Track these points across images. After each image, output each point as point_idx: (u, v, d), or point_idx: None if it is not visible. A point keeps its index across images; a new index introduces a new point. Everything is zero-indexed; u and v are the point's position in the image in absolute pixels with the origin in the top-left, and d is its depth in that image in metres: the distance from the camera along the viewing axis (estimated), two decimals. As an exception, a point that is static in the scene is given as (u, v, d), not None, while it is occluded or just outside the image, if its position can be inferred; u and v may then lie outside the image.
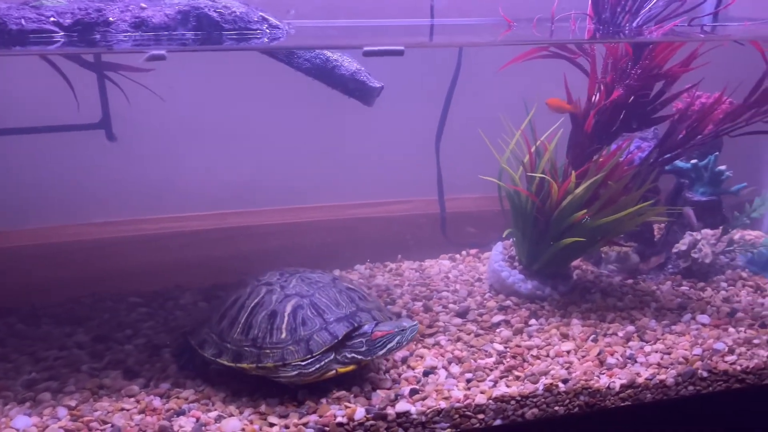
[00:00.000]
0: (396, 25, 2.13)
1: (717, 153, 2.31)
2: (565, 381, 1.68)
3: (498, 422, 1.62)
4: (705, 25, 2.07)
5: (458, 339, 1.87)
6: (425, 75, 2.29)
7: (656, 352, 1.82)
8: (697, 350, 1.82)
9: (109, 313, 2.00)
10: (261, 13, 1.71)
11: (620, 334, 1.90)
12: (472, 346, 1.83)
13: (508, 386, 1.66)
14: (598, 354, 1.79)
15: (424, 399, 1.61)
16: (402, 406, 1.57)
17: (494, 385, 1.67)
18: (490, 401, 1.61)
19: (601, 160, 1.99)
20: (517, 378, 1.70)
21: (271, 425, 1.52)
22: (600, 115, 1.96)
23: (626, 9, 1.90)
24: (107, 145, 2.03)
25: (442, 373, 1.71)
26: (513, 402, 1.63)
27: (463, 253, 2.46)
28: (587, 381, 1.69)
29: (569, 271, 2.19)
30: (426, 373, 1.70)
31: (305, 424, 1.51)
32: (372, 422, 1.54)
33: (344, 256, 2.35)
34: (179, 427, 1.51)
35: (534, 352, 1.81)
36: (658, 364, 1.77)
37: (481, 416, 1.61)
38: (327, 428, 1.51)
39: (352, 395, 1.60)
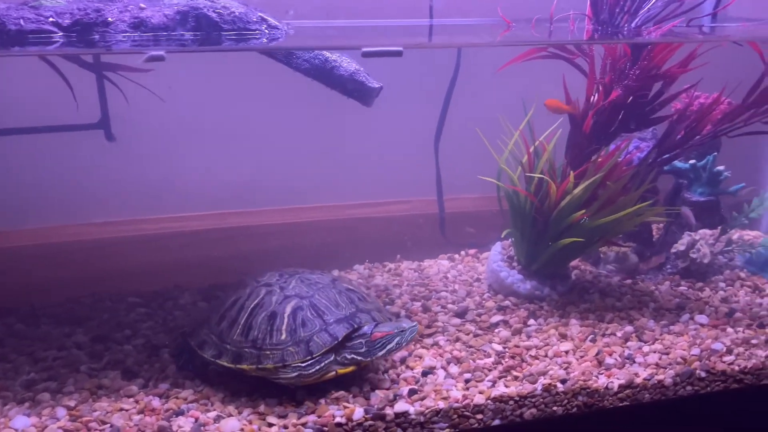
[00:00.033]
0: (395, 26, 2.13)
1: (715, 153, 2.31)
2: (563, 381, 1.68)
3: (496, 422, 1.62)
4: (703, 26, 2.07)
5: (457, 339, 1.87)
6: (424, 75, 2.29)
7: (654, 352, 1.82)
8: (696, 350, 1.82)
9: (108, 313, 2.00)
10: (260, 14, 1.71)
11: (619, 334, 1.90)
12: (470, 347, 1.84)
13: (506, 386, 1.67)
14: (597, 354, 1.80)
15: (422, 399, 1.61)
16: (401, 406, 1.57)
17: (493, 386, 1.67)
18: (489, 401, 1.62)
19: (599, 160, 2.00)
20: (516, 378, 1.70)
21: (270, 425, 1.52)
22: (598, 116, 1.96)
23: (625, 9, 1.91)
24: (107, 145, 2.03)
25: (441, 373, 1.72)
26: (511, 402, 1.63)
27: (462, 253, 2.46)
28: (585, 381, 1.69)
29: (568, 272, 2.20)
30: (425, 374, 1.71)
31: (304, 425, 1.52)
32: (371, 422, 1.54)
33: (343, 256, 2.35)
34: (178, 427, 1.51)
35: (532, 352, 1.81)
36: (657, 365, 1.77)
37: (479, 416, 1.61)
38: (326, 428, 1.52)
39: (351, 395, 1.61)
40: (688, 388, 1.74)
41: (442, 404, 1.59)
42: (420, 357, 1.78)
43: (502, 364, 1.75)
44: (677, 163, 2.30)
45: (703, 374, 1.75)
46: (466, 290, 2.16)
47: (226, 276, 2.08)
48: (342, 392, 1.60)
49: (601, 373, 1.73)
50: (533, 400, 1.65)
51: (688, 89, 1.99)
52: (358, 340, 1.61)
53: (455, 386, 1.66)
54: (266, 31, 1.69)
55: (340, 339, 1.59)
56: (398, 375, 1.70)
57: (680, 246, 2.24)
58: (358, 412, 1.54)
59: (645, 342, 1.87)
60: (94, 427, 1.51)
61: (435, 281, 2.24)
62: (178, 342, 1.81)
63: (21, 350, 1.80)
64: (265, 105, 2.25)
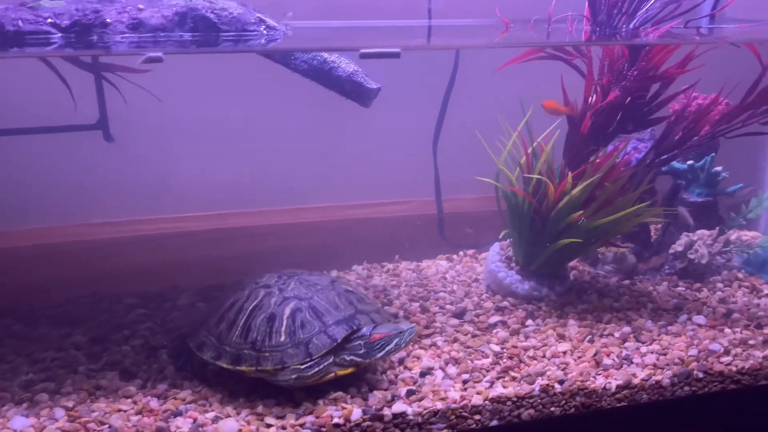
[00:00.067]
0: (394, 26, 2.13)
1: (713, 154, 2.32)
2: (561, 382, 1.68)
3: (494, 423, 1.63)
4: (701, 27, 2.07)
5: (455, 340, 1.87)
6: (423, 76, 2.29)
7: (652, 352, 1.82)
8: (693, 351, 1.82)
9: (107, 314, 2.01)
10: (258, 15, 1.71)
11: (616, 334, 1.90)
12: (468, 347, 1.84)
13: (504, 387, 1.67)
14: (595, 355, 1.80)
15: (420, 400, 1.61)
16: (398, 407, 1.58)
17: (491, 386, 1.67)
18: (487, 402, 1.62)
19: (597, 161, 2.00)
20: (514, 379, 1.70)
21: (268, 426, 1.52)
22: (596, 117, 1.96)
23: (623, 11, 1.91)
24: (106, 146, 2.03)
25: (439, 373, 1.72)
26: (509, 403, 1.64)
27: (461, 253, 2.46)
28: (583, 382, 1.70)
29: (566, 272, 2.20)
30: (423, 374, 1.71)
31: (302, 425, 1.52)
32: (368, 423, 1.54)
33: (342, 257, 2.35)
34: (176, 427, 1.51)
35: (530, 352, 1.82)
36: (654, 365, 1.77)
37: (477, 417, 1.61)
38: (323, 429, 1.52)
39: (349, 396, 1.61)
40: (686, 388, 1.75)
41: (440, 405, 1.59)
42: (418, 357, 1.78)
43: (500, 365, 1.75)
44: (675, 164, 2.30)
45: (700, 375, 1.76)
46: (465, 291, 2.17)
47: (225, 276, 2.09)
48: (340, 393, 1.60)
49: (599, 374, 1.73)
50: (531, 400, 1.65)
51: (685, 90, 1.99)
52: (357, 342, 1.61)
53: (453, 387, 1.66)
54: (264, 32, 1.69)
55: (339, 341, 1.59)
56: (396, 375, 1.70)
57: (678, 247, 2.24)
58: (356, 413, 1.54)
59: (643, 342, 1.87)
60: (93, 427, 1.51)
61: (433, 282, 2.24)
62: (176, 343, 1.81)
63: (19, 351, 1.80)
64: (264, 105, 2.25)
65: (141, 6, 1.64)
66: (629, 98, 1.95)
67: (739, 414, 1.83)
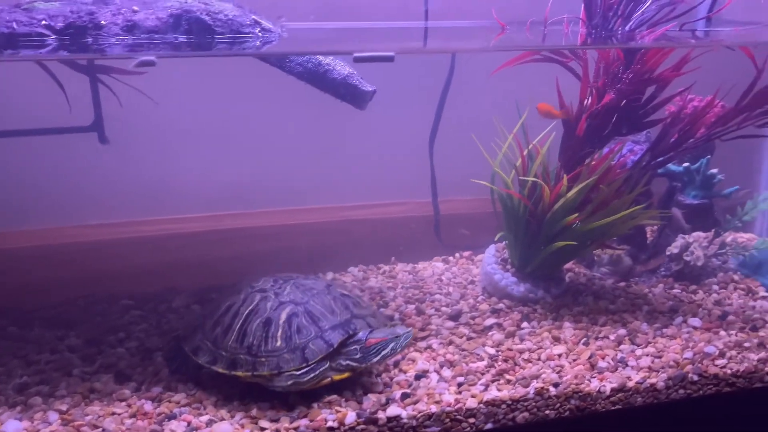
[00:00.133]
0: (390, 28, 2.13)
1: (709, 156, 2.32)
2: (556, 385, 1.68)
3: (489, 426, 1.63)
4: (696, 30, 2.07)
5: (450, 342, 1.87)
6: (421, 78, 2.29)
7: (647, 355, 1.82)
8: (688, 354, 1.82)
9: (102, 315, 2.00)
10: (254, 17, 1.70)
11: (612, 337, 1.90)
12: (464, 350, 1.84)
13: (499, 390, 1.67)
14: (590, 357, 1.80)
15: (415, 403, 1.61)
16: (393, 410, 1.57)
17: (485, 389, 1.67)
18: (481, 405, 1.62)
19: (593, 163, 2.00)
20: (509, 382, 1.70)
21: (262, 429, 1.52)
22: (592, 119, 1.96)
23: (618, 13, 1.91)
24: (105, 147, 2.02)
25: (434, 376, 1.72)
26: (504, 406, 1.64)
27: (457, 255, 2.46)
28: (578, 385, 1.70)
29: (562, 274, 2.20)
30: (418, 377, 1.71)
31: (296, 429, 1.52)
32: (363, 426, 1.54)
33: (339, 258, 2.35)
34: (170, 431, 1.51)
35: (525, 355, 1.82)
36: (649, 368, 1.77)
37: (471, 420, 1.61)
38: (318, 432, 1.52)
39: (344, 399, 1.61)
40: (681, 391, 1.75)
41: (434, 408, 1.59)
42: (413, 360, 1.78)
43: (495, 368, 1.75)
44: (671, 166, 2.30)
45: (695, 378, 1.76)
46: (460, 293, 2.16)
47: (223, 278, 2.08)
48: (335, 396, 1.60)
49: (594, 377, 1.73)
50: (526, 403, 1.65)
51: (680, 93, 1.99)
52: (353, 347, 1.61)
53: (448, 390, 1.66)
54: (260, 34, 1.69)
55: (335, 346, 1.59)
56: (391, 378, 1.70)
57: (674, 249, 2.24)
58: (351, 416, 1.54)
59: (638, 345, 1.87)
60: (86, 431, 1.51)
61: (429, 284, 2.24)
62: (171, 345, 1.81)
63: (14, 353, 1.79)
64: (261, 107, 2.25)
65: (135, 8, 1.64)
66: (624, 101, 1.94)
67: (733, 417, 1.83)
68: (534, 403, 1.66)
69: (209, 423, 1.53)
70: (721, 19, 2.13)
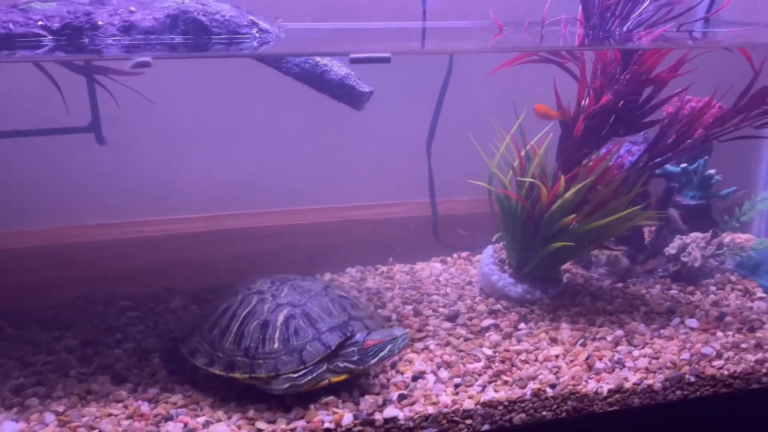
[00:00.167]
0: (389, 28, 2.13)
1: (706, 157, 2.32)
2: (552, 386, 1.68)
3: (486, 427, 1.63)
4: (694, 31, 2.07)
5: (447, 343, 1.87)
6: (419, 78, 2.29)
7: (644, 356, 1.82)
8: (685, 355, 1.82)
9: (99, 316, 2.00)
10: (251, 17, 1.70)
11: (609, 338, 1.90)
12: (461, 351, 1.84)
13: (496, 391, 1.67)
14: (587, 358, 1.80)
15: (412, 404, 1.61)
16: (390, 411, 1.57)
17: (482, 390, 1.67)
18: (478, 406, 1.62)
19: (590, 164, 2.00)
20: (506, 383, 1.70)
21: (259, 430, 1.52)
22: (589, 120, 1.96)
23: (616, 14, 1.90)
24: (106, 147, 2.01)
25: (431, 377, 1.72)
26: (501, 407, 1.64)
27: (455, 255, 2.46)
28: (575, 386, 1.69)
29: (559, 275, 2.20)
30: (415, 378, 1.71)
31: (293, 430, 1.52)
32: (360, 428, 1.54)
33: (337, 259, 2.35)
34: (167, 432, 1.51)
35: (523, 356, 1.82)
36: (646, 369, 1.77)
37: (468, 421, 1.61)
38: (315, 434, 1.52)
39: (341, 401, 1.61)
40: (678, 392, 1.75)
41: (431, 409, 1.59)
42: (410, 361, 1.78)
43: (492, 369, 1.75)
44: (669, 167, 2.30)
45: (692, 379, 1.76)
46: (458, 293, 2.16)
47: (223, 278, 2.07)
48: (332, 397, 1.60)
49: (591, 378, 1.73)
50: (522, 405, 1.65)
51: (678, 94, 1.99)
52: (351, 348, 1.61)
53: (445, 391, 1.66)
54: (257, 34, 1.68)
55: (333, 348, 1.59)
56: (388, 380, 1.70)
57: (671, 249, 2.24)
58: (347, 418, 1.54)
59: (635, 346, 1.87)
60: (83, 432, 1.51)
61: (427, 284, 2.24)
62: (168, 346, 1.81)
63: (11, 354, 1.79)
64: (261, 107, 2.25)
65: (132, 8, 1.63)
66: (622, 102, 1.94)
67: (730, 418, 1.83)
68: (531, 405, 1.66)
69: (206, 424, 1.53)
70: (720, 20, 2.13)
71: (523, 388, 1.67)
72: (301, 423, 1.53)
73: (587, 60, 1.95)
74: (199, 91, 2.15)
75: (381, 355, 1.61)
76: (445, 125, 2.36)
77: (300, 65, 1.69)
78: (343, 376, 1.61)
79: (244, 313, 1.64)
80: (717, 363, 1.80)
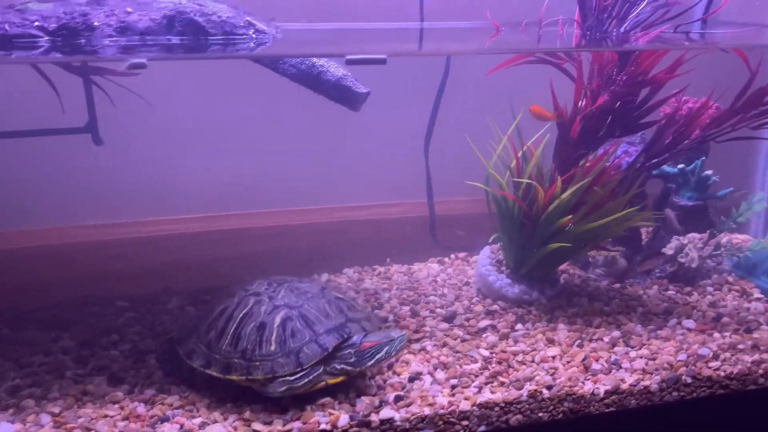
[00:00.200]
0: (386, 29, 2.12)
1: (704, 158, 2.32)
2: (549, 387, 1.68)
3: (482, 429, 1.62)
4: (691, 32, 2.07)
5: (444, 344, 1.87)
6: (416, 79, 2.29)
7: (641, 357, 1.82)
8: (682, 356, 1.82)
9: (96, 317, 2.00)
10: (248, 18, 1.70)
11: (606, 339, 1.90)
12: (457, 352, 1.84)
13: (492, 392, 1.67)
14: (584, 359, 1.80)
15: (408, 405, 1.61)
16: (386, 412, 1.57)
17: (479, 391, 1.67)
18: (475, 407, 1.62)
19: (587, 165, 2.00)
20: (502, 384, 1.70)
21: (255, 432, 1.52)
22: (586, 121, 1.96)
23: (613, 15, 1.90)
24: (105, 147, 2.01)
25: (428, 379, 1.72)
26: (497, 408, 1.63)
27: (452, 256, 2.46)
28: (572, 387, 1.69)
29: (556, 276, 2.20)
30: (411, 379, 1.71)
31: (289, 431, 1.51)
32: (356, 429, 1.54)
33: (335, 259, 2.35)
34: (163, 433, 1.51)
35: (519, 357, 1.81)
36: (643, 370, 1.77)
37: (465, 423, 1.61)
38: (311, 435, 1.52)
39: (337, 402, 1.60)
40: (674, 393, 1.75)
41: (427, 410, 1.59)
42: (407, 362, 1.78)
43: (489, 370, 1.75)
44: (666, 168, 2.30)
45: (689, 380, 1.76)
46: (455, 294, 2.16)
47: (223, 278, 2.07)
48: (328, 398, 1.60)
49: (588, 379, 1.73)
50: (519, 406, 1.65)
51: (674, 95, 1.99)
52: (348, 350, 1.61)
53: (441, 392, 1.66)
54: (254, 35, 1.68)
55: (330, 350, 1.59)
56: (385, 381, 1.70)
57: (669, 250, 2.24)
58: (343, 419, 1.54)
59: (632, 347, 1.87)
60: (79, 433, 1.51)
61: (424, 285, 2.24)
62: (165, 348, 1.81)
63: (6, 355, 1.79)
64: (261, 107, 2.25)
65: (129, 9, 1.63)
66: (619, 103, 1.94)
67: (727, 419, 1.83)
68: (527, 406, 1.66)
69: (202, 425, 1.53)
70: (717, 21, 2.13)
71: (520, 389, 1.67)
72: (297, 424, 1.53)
73: (584, 61, 1.95)
74: (199, 91, 2.15)
75: (378, 357, 1.61)
76: (442, 126, 2.36)
77: (296, 66, 1.69)
78: (340, 378, 1.61)
79: (240, 315, 1.64)
80: (714, 364, 1.80)
